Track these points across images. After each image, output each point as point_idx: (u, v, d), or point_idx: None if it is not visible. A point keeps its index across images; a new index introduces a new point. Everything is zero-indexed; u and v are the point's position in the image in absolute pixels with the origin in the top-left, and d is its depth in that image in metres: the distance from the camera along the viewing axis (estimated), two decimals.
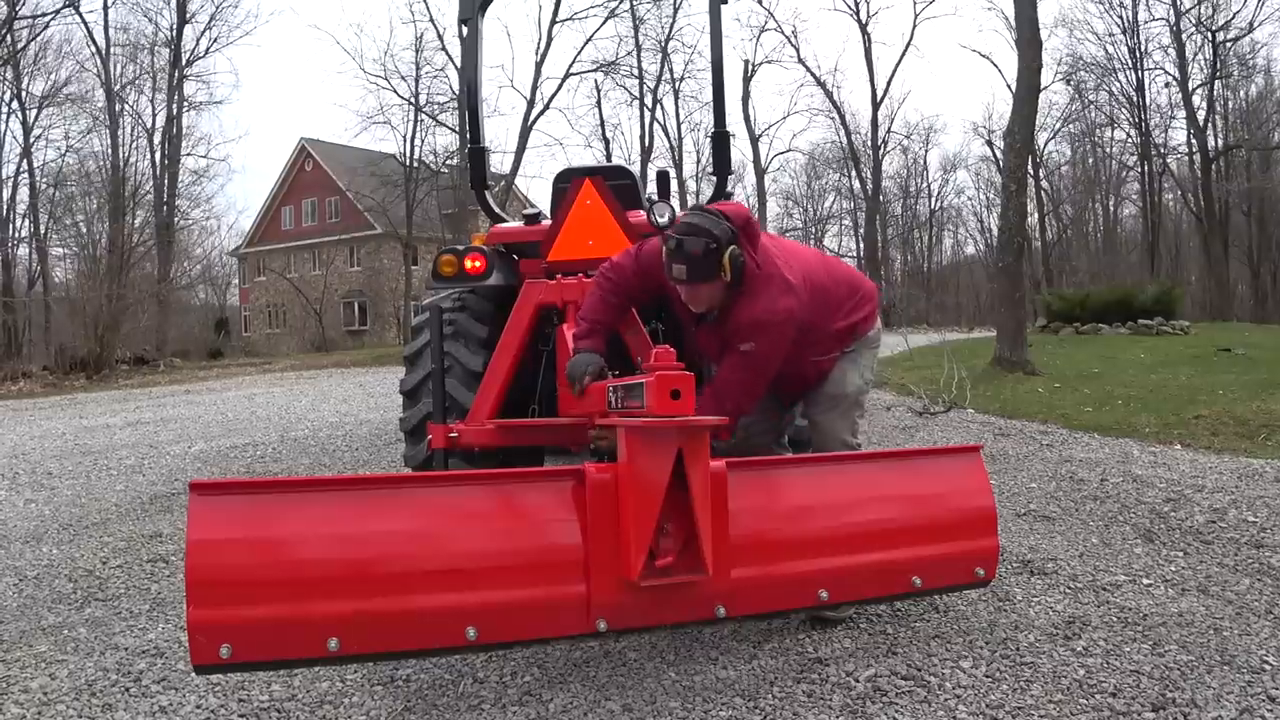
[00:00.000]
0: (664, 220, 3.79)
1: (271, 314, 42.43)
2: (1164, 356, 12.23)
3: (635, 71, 33.13)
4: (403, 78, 33.12)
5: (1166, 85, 35.52)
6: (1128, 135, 37.69)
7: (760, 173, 41.55)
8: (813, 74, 44.12)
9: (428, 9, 35.56)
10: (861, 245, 44.85)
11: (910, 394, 8.84)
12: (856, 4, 39.62)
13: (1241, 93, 35.90)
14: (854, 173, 43.03)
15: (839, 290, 3.02)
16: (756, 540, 2.35)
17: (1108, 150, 40.22)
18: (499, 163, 29.40)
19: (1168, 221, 39.34)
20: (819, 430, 3.08)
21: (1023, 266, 12.23)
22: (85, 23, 32.36)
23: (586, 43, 39.42)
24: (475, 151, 4.40)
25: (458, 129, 29.25)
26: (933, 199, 50.31)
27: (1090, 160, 41.47)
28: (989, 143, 40.01)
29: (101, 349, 20.15)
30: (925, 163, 58.98)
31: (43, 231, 29.91)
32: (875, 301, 3.16)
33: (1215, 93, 34.61)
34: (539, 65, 31.24)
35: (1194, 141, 34.59)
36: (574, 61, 32.55)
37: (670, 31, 33.76)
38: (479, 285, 3.91)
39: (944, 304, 44.13)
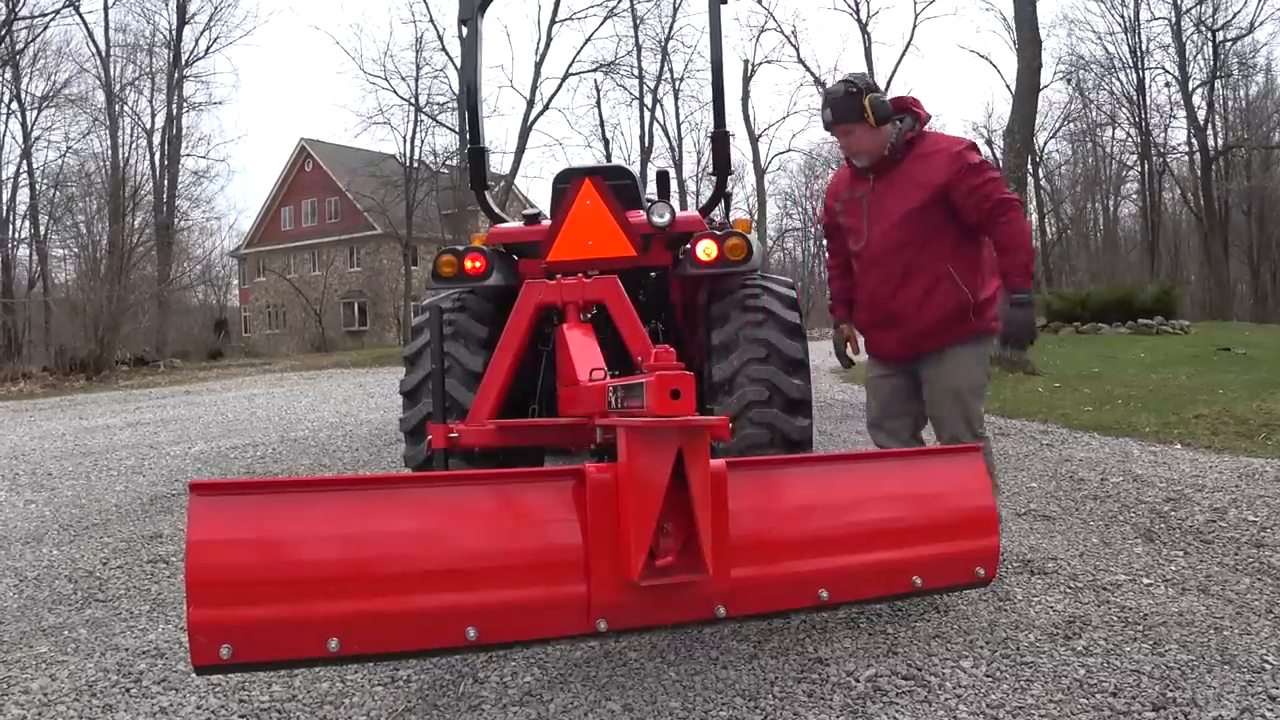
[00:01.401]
0: (663, 220, 3.80)
1: (271, 314, 42.43)
2: (1164, 356, 12.23)
3: (635, 71, 33.20)
4: (403, 78, 33.21)
5: (1167, 85, 35.55)
6: (1128, 134, 37.71)
7: (760, 173, 41.55)
8: (813, 74, 44.09)
9: (428, 9, 35.68)
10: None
11: None
12: (856, 4, 39.61)
13: (1241, 92, 35.93)
14: None
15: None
16: (756, 540, 2.35)
17: (1108, 149, 40.23)
18: (499, 163, 29.45)
19: (1167, 221, 39.33)
20: (939, 424, 3.28)
21: None
22: (85, 23, 32.52)
23: (586, 43, 39.62)
24: (475, 152, 4.40)
25: (457, 129, 29.27)
26: None
27: (1090, 159, 41.47)
28: (989, 142, 39.93)
29: (101, 350, 20.15)
30: None
31: (43, 232, 29.96)
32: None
33: (1215, 92, 34.62)
34: (539, 65, 31.30)
35: (1194, 141, 34.61)
36: (574, 61, 32.64)
37: (670, 31, 33.83)
38: (479, 285, 3.90)
39: None
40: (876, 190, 3.21)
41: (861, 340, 3.55)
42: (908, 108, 3.20)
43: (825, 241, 3.67)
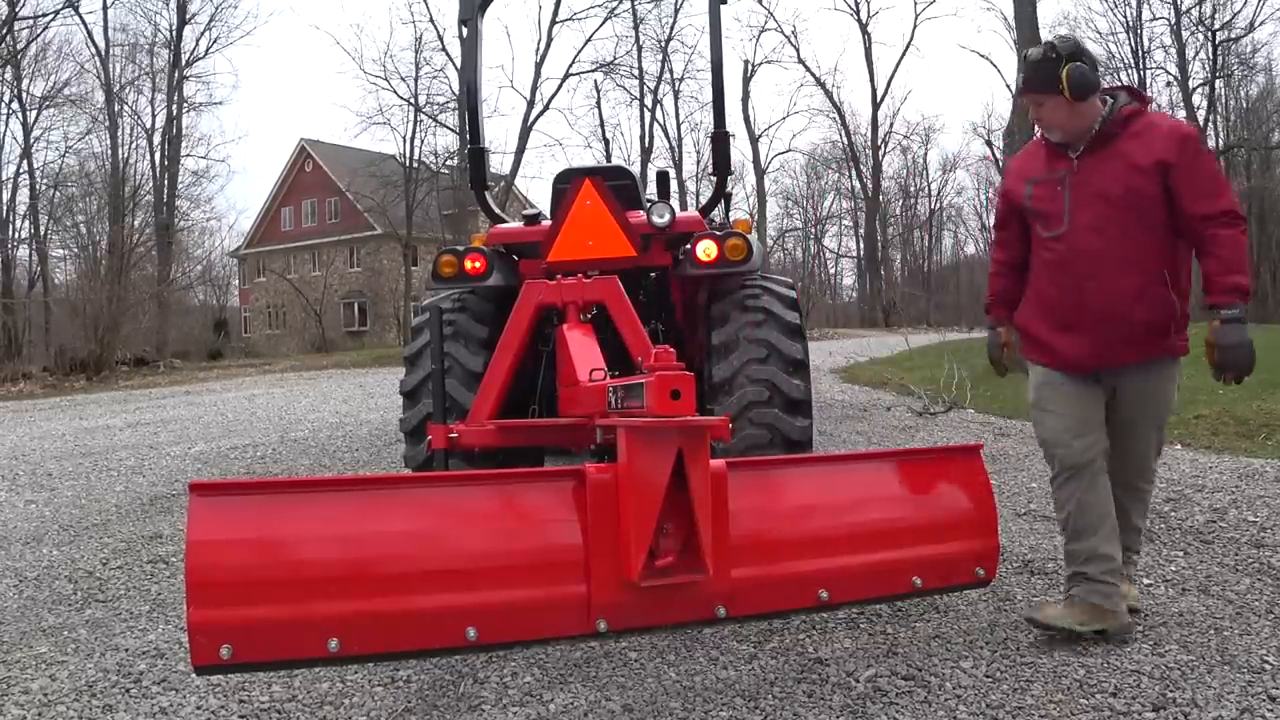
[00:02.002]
0: (663, 221, 3.80)
1: (271, 315, 42.43)
2: None
3: (635, 71, 33.22)
4: (402, 78, 33.15)
5: (1168, 84, 35.52)
6: None
7: (760, 173, 41.59)
8: (812, 74, 44.24)
9: (428, 9, 35.70)
10: (861, 245, 44.87)
11: (910, 394, 8.84)
12: (856, 4, 39.73)
13: (1242, 92, 35.92)
14: (854, 173, 43.08)
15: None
16: (757, 540, 2.34)
17: None
18: (499, 163, 29.46)
19: None
20: (1126, 456, 2.81)
21: None
22: (85, 23, 32.49)
23: (586, 43, 39.54)
24: (475, 152, 4.40)
25: (458, 129, 29.28)
26: (933, 199, 50.37)
27: None
28: (989, 142, 40.01)
29: (101, 350, 20.16)
30: (925, 162, 59.00)
31: (43, 232, 29.94)
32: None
33: (1216, 92, 34.62)
34: (539, 65, 31.32)
35: None
36: (574, 62, 32.61)
37: (670, 31, 33.86)
38: (479, 286, 3.91)
39: (944, 304, 44.11)
40: (1083, 169, 2.70)
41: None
42: (1125, 90, 2.77)
43: (996, 231, 3.10)
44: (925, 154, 63.91)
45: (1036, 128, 2.86)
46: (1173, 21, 33.54)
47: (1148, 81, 35.22)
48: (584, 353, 3.01)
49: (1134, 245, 2.65)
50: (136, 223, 30.07)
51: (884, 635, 2.65)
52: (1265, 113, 35.18)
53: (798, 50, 55.29)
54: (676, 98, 37.96)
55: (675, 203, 5.82)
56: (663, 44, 34.03)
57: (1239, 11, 32.69)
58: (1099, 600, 2.60)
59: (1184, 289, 2.72)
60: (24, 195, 29.53)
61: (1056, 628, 2.60)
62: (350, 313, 39.76)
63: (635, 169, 5.35)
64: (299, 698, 2.37)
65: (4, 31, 25.68)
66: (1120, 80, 35.68)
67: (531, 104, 31.21)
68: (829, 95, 40.66)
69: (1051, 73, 2.62)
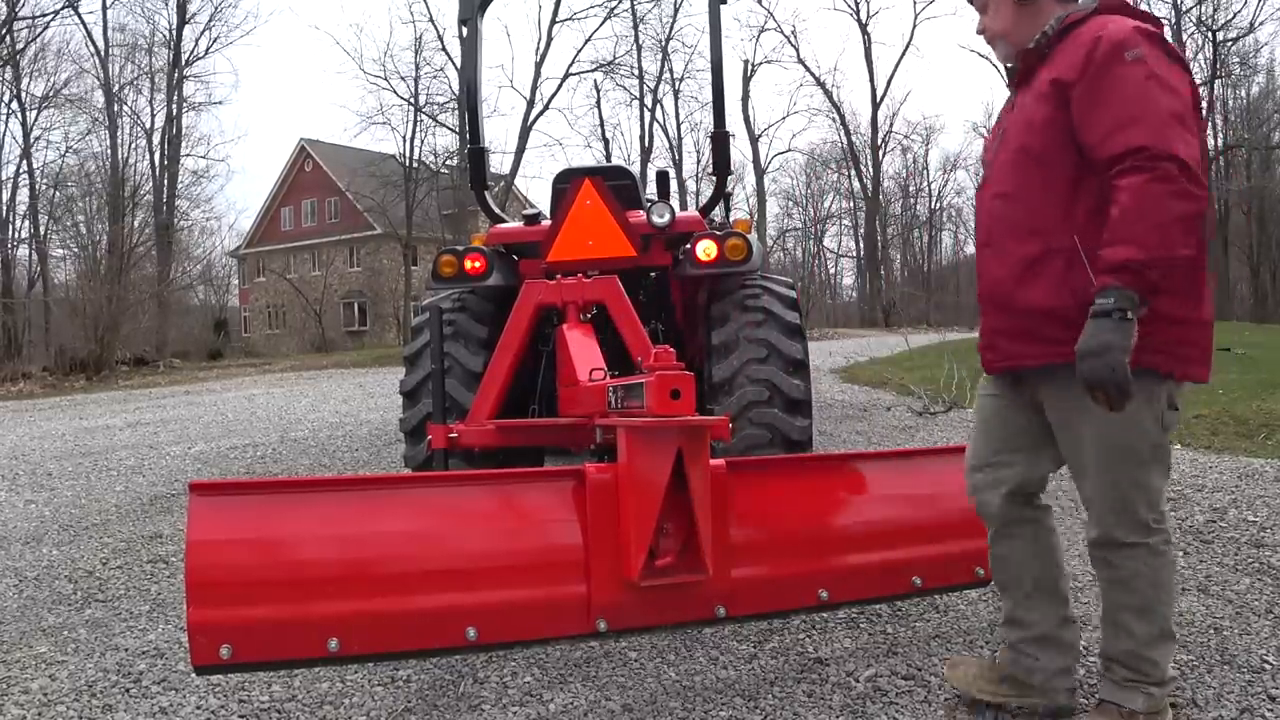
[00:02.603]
0: (663, 220, 3.80)
1: (271, 315, 42.42)
2: None
3: (635, 71, 33.20)
4: (402, 78, 33.18)
5: None
6: None
7: (760, 172, 41.57)
8: (812, 74, 44.24)
9: (428, 9, 35.71)
10: (861, 245, 44.87)
11: (910, 394, 8.84)
12: (856, 4, 39.72)
13: (1242, 92, 35.93)
14: (854, 173, 43.08)
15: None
16: (756, 540, 2.35)
17: None
18: (499, 163, 29.47)
19: None
20: (1083, 497, 2.05)
21: None
22: (84, 23, 32.50)
23: (586, 43, 39.63)
24: (475, 152, 4.40)
25: (457, 129, 29.28)
26: (933, 199, 50.38)
27: None
28: None
29: (101, 350, 20.16)
30: (925, 162, 58.97)
31: (42, 232, 29.94)
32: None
33: (1216, 92, 34.61)
34: (539, 65, 31.32)
35: None
36: (573, 61, 32.64)
37: (670, 31, 33.86)
38: (479, 286, 3.91)
39: (944, 304, 44.10)
40: (1014, 107, 2.12)
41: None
42: None
43: None
44: (926, 154, 63.94)
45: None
46: (1173, 21, 33.52)
47: None
48: (584, 353, 3.01)
49: (1031, 205, 1.97)
50: (136, 222, 30.08)
51: (884, 635, 2.65)
52: (1265, 113, 35.17)
53: (797, 50, 55.19)
54: (676, 98, 37.99)
55: (675, 202, 5.82)
56: (663, 44, 34.05)
57: (1239, 11, 32.73)
58: (1017, 672, 2.11)
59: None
60: (24, 195, 29.56)
61: (964, 693, 2.15)
62: (350, 313, 39.76)
63: (635, 169, 5.34)
64: (299, 698, 2.37)
65: (4, 31, 25.68)
66: None
67: (531, 104, 31.23)
68: (829, 95, 40.67)
69: None
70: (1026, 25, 2.05)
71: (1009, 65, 2.15)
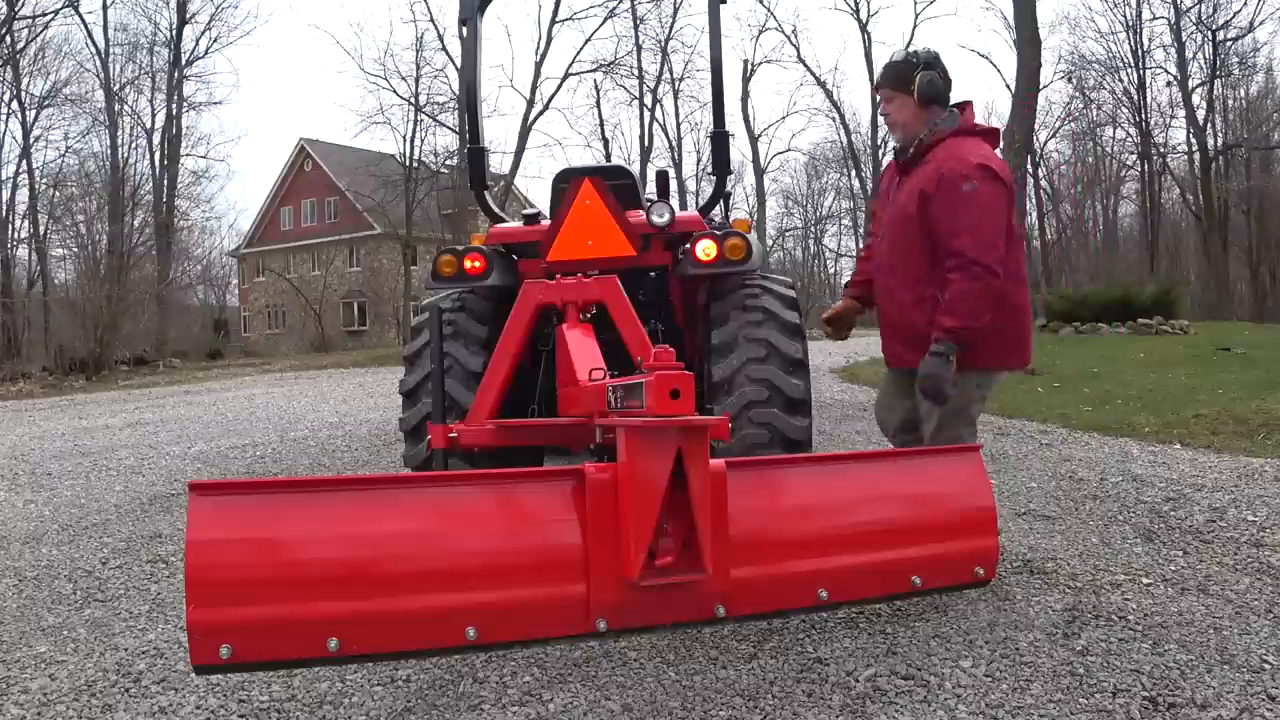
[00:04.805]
0: (663, 220, 3.79)
1: (271, 314, 42.41)
2: (1163, 356, 12.23)
3: (635, 71, 33.18)
4: (403, 78, 33.22)
5: (1168, 84, 35.54)
6: (1127, 134, 37.73)
7: (760, 172, 41.60)
8: (812, 73, 44.31)
9: (428, 9, 35.78)
10: (861, 245, 44.82)
11: None
12: (856, 4, 39.73)
13: (1241, 92, 35.93)
14: (854, 172, 43.09)
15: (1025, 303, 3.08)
16: (756, 540, 2.35)
17: (1108, 149, 40.26)
18: (499, 163, 29.45)
19: (1167, 221, 39.34)
20: (930, 438, 3.10)
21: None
22: (84, 23, 32.44)
23: (586, 42, 39.70)
24: (475, 151, 4.40)
25: (457, 129, 29.27)
26: None
27: (1090, 159, 41.51)
28: None
29: (101, 349, 20.17)
30: None
31: (42, 232, 29.94)
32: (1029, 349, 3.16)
33: (1215, 92, 34.62)
34: (539, 65, 31.31)
35: (1194, 141, 34.62)
36: (574, 61, 32.62)
37: (670, 31, 33.86)
38: (478, 285, 3.91)
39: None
40: (901, 185, 3.06)
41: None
42: (961, 107, 3.02)
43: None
44: None
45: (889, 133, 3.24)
46: (1172, 21, 33.56)
47: (1147, 81, 35.29)
48: (583, 352, 3.01)
49: (912, 264, 2.96)
50: (136, 222, 30.10)
51: (884, 635, 2.64)
52: (1265, 113, 35.18)
53: (798, 50, 55.30)
54: (676, 97, 38.00)
55: (675, 202, 5.82)
56: (663, 44, 34.04)
57: (1239, 11, 32.78)
58: None
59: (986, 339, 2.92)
60: (23, 195, 29.56)
61: None
62: (350, 312, 39.75)
63: (635, 169, 5.34)
64: (299, 697, 2.37)
65: (4, 31, 25.66)
66: (1120, 80, 35.72)
67: (531, 104, 31.21)
68: (829, 95, 40.75)
69: (907, 73, 2.92)
70: (920, 122, 2.96)
71: (902, 149, 3.04)
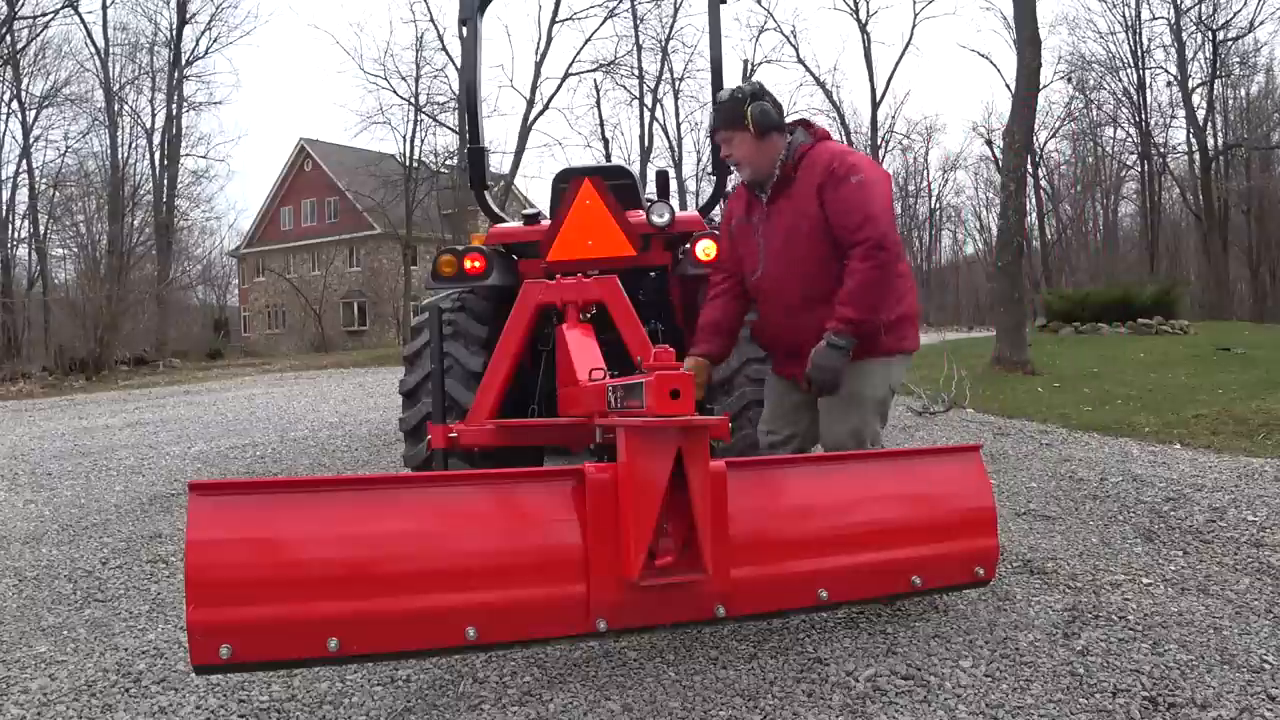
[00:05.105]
0: (663, 220, 3.80)
1: (271, 314, 42.41)
2: (1163, 356, 12.23)
3: (635, 71, 33.17)
4: (403, 78, 33.26)
5: (1168, 84, 35.54)
6: (1128, 134, 37.74)
7: None
8: (812, 74, 44.31)
9: (428, 9, 35.81)
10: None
11: (910, 394, 8.84)
12: (856, 4, 39.72)
13: (1241, 92, 35.93)
14: None
15: (904, 281, 2.95)
16: (756, 540, 2.35)
17: (1107, 149, 40.28)
18: (499, 163, 29.44)
19: (1167, 221, 39.35)
20: (825, 438, 3.02)
21: (1022, 266, 12.24)
22: (84, 23, 32.43)
23: (586, 42, 39.72)
24: (475, 151, 4.40)
25: (457, 129, 29.27)
26: (932, 199, 50.39)
27: (1090, 159, 41.52)
28: (989, 142, 40.03)
29: (101, 349, 20.17)
30: (925, 162, 59.00)
31: (42, 232, 29.94)
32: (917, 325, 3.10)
33: (1215, 92, 34.62)
34: (539, 65, 31.30)
35: (1194, 141, 34.62)
36: (574, 61, 32.63)
37: (670, 31, 33.84)
38: (478, 285, 3.91)
39: (944, 303, 44.12)
40: (770, 213, 2.96)
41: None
42: (801, 124, 2.99)
43: (717, 262, 3.33)
44: (926, 154, 63.97)
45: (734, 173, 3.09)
46: (1172, 21, 33.57)
47: (1147, 81, 35.29)
48: (583, 352, 3.01)
49: (815, 282, 2.87)
50: (136, 222, 30.09)
51: (884, 635, 2.64)
52: (1265, 112, 35.18)
53: (797, 50, 55.07)
54: (676, 97, 37.99)
55: (675, 202, 5.82)
56: (663, 44, 34.02)
57: (1239, 11, 32.82)
58: None
59: (885, 301, 2.85)
60: (23, 195, 29.55)
61: None
62: (350, 312, 39.74)
63: (635, 169, 5.35)
64: (299, 697, 2.37)
65: (4, 31, 25.66)
66: (1120, 80, 35.72)
67: (531, 103, 31.20)
68: (828, 95, 40.70)
69: (738, 110, 2.85)
70: (763, 156, 2.89)
71: (755, 185, 2.98)
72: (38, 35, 28.04)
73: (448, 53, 30.68)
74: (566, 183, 3.99)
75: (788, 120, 2.96)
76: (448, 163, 31.58)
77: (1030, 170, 32.63)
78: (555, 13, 31.65)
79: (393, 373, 14.29)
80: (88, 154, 31.52)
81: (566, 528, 2.17)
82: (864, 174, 2.80)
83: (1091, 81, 37.05)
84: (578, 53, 40.06)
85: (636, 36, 32.41)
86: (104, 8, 31.25)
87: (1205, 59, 33.86)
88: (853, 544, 2.48)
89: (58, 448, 7.66)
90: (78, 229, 29.95)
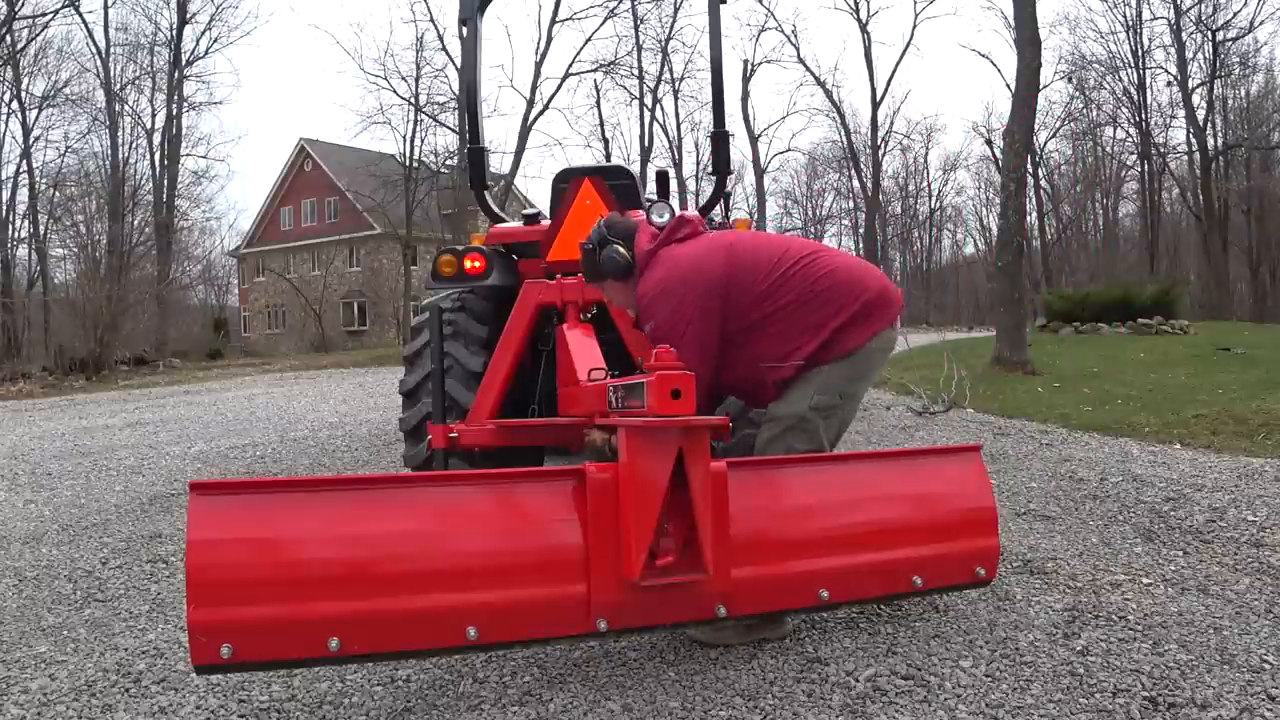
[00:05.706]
0: (663, 220, 3.79)
1: (271, 314, 42.41)
2: (1163, 356, 12.23)
3: (635, 71, 33.16)
4: (403, 78, 33.25)
5: (1168, 84, 35.54)
6: (1128, 134, 37.74)
7: (760, 172, 41.61)
8: (812, 73, 44.34)
9: (428, 9, 35.81)
10: (861, 245, 44.86)
11: (910, 394, 8.84)
12: (856, 3, 39.76)
13: (1241, 92, 35.93)
14: (854, 172, 43.11)
15: (805, 287, 2.68)
16: (757, 540, 2.35)
17: (1108, 149, 40.28)
18: (499, 163, 29.45)
19: (1167, 221, 39.36)
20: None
21: (1022, 266, 12.24)
22: (85, 23, 32.49)
23: (586, 42, 39.74)
24: (475, 151, 4.40)
25: (458, 129, 29.27)
26: (933, 199, 50.42)
27: (1090, 159, 41.53)
28: (989, 142, 40.05)
29: (101, 349, 20.15)
30: (925, 162, 59.04)
31: (42, 232, 29.94)
32: (878, 311, 2.72)
33: (1215, 92, 34.62)
34: (539, 65, 31.30)
35: (1194, 141, 34.63)
36: (574, 61, 32.63)
37: (670, 31, 33.87)
38: (478, 285, 3.91)
39: (943, 303, 44.12)
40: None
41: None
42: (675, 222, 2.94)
43: None
44: (926, 154, 63.99)
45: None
46: (1172, 21, 33.57)
47: (1147, 81, 35.31)
48: (584, 352, 3.01)
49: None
50: (136, 222, 30.09)
51: (884, 635, 2.64)
52: (1265, 113, 35.17)
53: (797, 50, 55.11)
54: (676, 97, 38.01)
55: (675, 202, 5.82)
56: (663, 44, 34.03)
57: (1239, 11, 32.83)
58: None
59: (726, 384, 2.83)
60: (24, 195, 29.55)
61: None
62: (350, 312, 39.74)
63: (635, 169, 5.35)
64: (299, 697, 2.37)
65: (4, 31, 25.66)
66: (1120, 80, 35.71)
67: (531, 103, 31.20)
68: (829, 95, 40.72)
69: (594, 264, 2.88)
70: (619, 296, 2.95)
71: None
72: (38, 35, 28.07)
73: (448, 53, 30.71)
74: (566, 183, 3.98)
75: (655, 199, 3.00)
76: (448, 163, 31.58)
77: (1030, 170, 32.66)
78: (555, 13, 31.67)
79: (393, 373, 14.29)
80: (88, 154, 31.57)
81: (567, 528, 2.17)
82: (655, 321, 2.70)
83: (1091, 81, 37.08)
84: (578, 53, 40.06)
85: (636, 36, 32.41)
86: (105, 8, 31.48)
87: (1205, 59, 33.88)
88: (853, 544, 2.48)
89: (58, 448, 7.66)
90: (78, 229, 29.96)
